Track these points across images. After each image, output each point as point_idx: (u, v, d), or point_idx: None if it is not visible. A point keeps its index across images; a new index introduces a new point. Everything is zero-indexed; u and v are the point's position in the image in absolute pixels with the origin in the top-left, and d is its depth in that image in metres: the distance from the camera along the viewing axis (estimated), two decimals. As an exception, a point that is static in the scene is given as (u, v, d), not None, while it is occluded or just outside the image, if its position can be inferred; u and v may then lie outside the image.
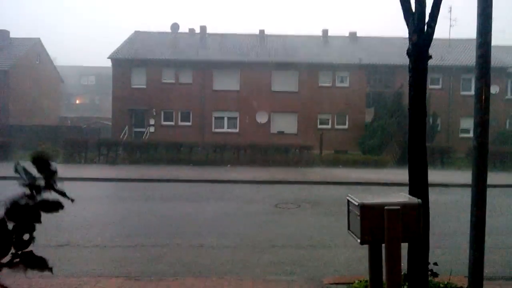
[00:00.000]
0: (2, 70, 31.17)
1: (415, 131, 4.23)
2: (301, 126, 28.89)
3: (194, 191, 13.09)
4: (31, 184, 1.28)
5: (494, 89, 26.51)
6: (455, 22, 56.72)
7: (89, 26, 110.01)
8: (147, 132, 28.71)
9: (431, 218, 4.25)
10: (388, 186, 14.42)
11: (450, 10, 33.01)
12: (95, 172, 17.24)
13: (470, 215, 3.73)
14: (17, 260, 1.27)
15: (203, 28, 33.83)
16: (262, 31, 33.93)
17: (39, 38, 36.58)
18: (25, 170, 1.27)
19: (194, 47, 31.01)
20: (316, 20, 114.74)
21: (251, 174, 16.99)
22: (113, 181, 15.09)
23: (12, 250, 1.27)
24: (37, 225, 1.31)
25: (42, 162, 1.31)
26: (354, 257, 6.10)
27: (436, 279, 4.35)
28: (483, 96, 3.71)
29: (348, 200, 3.57)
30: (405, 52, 4.33)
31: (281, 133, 28.62)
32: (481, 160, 3.73)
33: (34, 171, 1.29)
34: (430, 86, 26.15)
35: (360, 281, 4.52)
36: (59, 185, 1.33)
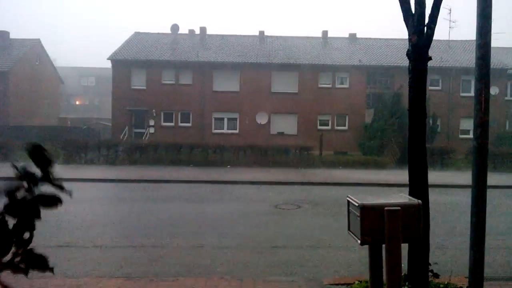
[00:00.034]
0: (2, 71, 31.19)
1: (415, 132, 4.24)
2: (301, 127, 28.91)
3: (194, 191, 13.09)
4: (27, 176, 1.25)
5: (494, 90, 26.55)
6: (455, 24, 56.71)
7: (89, 27, 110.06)
8: (147, 133, 28.72)
9: (431, 219, 4.26)
10: (388, 187, 14.42)
11: (450, 12, 33.10)
12: (95, 172, 17.23)
13: (470, 215, 3.73)
14: (18, 259, 1.25)
15: (203, 29, 33.87)
16: (262, 32, 33.96)
17: (39, 39, 36.62)
18: (22, 168, 1.26)
19: (194, 48, 31.04)
20: (316, 21, 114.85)
21: (251, 175, 17.00)
22: (113, 182, 15.09)
23: (13, 250, 1.26)
24: (37, 225, 1.30)
25: (38, 154, 1.29)
26: (354, 257, 6.10)
27: (437, 280, 4.35)
28: (483, 97, 3.72)
29: (348, 201, 3.58)
30: (405, 54, 4.35)
31: (281, 134, 28.63)
32: (481, 161, 3.74)
33: (31, 166, 1.27)
34: (430, 88, 26.18)
35: (360, 282, 4.53)
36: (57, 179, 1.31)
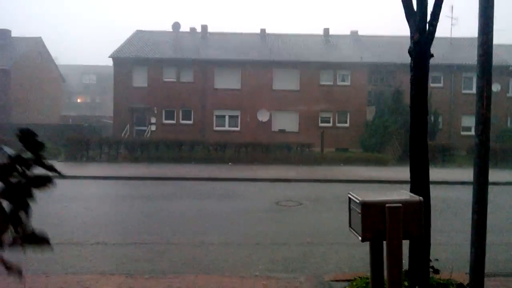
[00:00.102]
0: (4, 69, 31.21)
1: (417, 129, 4.25)
2: (302, 124, 28.90)
3: (195, 189, 13.11)
4: (20, 160, 1.28)
5: (495, 87, 26.48)
6: (457, 21, 56.60)
7: (90, 25, 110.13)
8: (148, 131, 28.75)
9: (432, 216, 4.27)
10: (389, 184, 14.42)
11: (452, 9, 32.97)
12: (96, 170, 17.26)
13: (472, 212, 3.74)
14: (18, 237, 1.28)
15: (204, 27, 33.83)
16: (263, 30, 33.92)
17: (40, 37, 36.64)
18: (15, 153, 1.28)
19: (195, 46, 31.02)
20: (317, 18, 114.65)
21: (252, 172, 17.02)
22: (115, 179, 15.11)
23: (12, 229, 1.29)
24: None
25: (29, 138, 1.31)
26: (355, 254, 6.11)
27: (437, 276, 4.36)
28: (485, 95, 3.71)
29: (350, 198, 3.58)
30: (407, 51, 4.34)
31: (282, 131, 28.61)
32: (482, 158, 3.73)
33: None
34: (431, 85, 26.15)
35: (361, 278, 4.54)
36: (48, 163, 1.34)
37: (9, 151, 1.30)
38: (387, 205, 3.26)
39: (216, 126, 29.17)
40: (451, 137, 27.66)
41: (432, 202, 4.28)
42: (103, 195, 12.27)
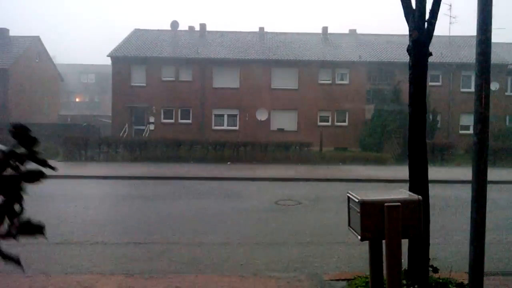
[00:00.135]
0: (2, 69, 31.13)
1: (415, 128, 4.25)
2: (301, 123, 28.91)
3: (194, 188, 13.10)
4: (13, 155, 1.30)
5: (494, 86, 26.49)
6: (455, 19, 56.57)
7: (89, 24, 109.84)
8: (147, 130, 28.73)
9: (431, 214, 4.27)
10: (388, 183, 14.43)
11: (450, 7, 32.99)
12: (95, 170, 17.25)
13: (471, 211, 3.74)
14: (14, 228, 1.30)
15: (202, 26, 33.81)
16: (261, 29, 33.91)
17: (38, 36, 36.53)
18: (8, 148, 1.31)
19: (193, 45, 30.99)
20: (315, 17, 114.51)
21: (251, 171, 17.01)
22: (114, 178, 15.09)
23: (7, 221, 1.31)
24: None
25: (22, 133, 1.32)
26: (355, 253, 6.11)
27: (437, 275, 4.36)
28: (483, 93, 3.71)
29: (349, 197, 3.58)
30: (405, 49, 4.34)
31: (281, 130, 28.62)
32: (481, 157, 3.73)
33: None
34: (430, 83, 26.12)
35: (361, 277, 4.54)
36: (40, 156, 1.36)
37: (2, 147, 1.32)
38: (386, 204, 3.26)
39: (215, 125, 29.17)
40: (449, 136, 27.71)
41: (431, 201, 4.29)
42: (102, 195, 12.25)
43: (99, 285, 4.66)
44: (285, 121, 29.02)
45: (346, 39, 32.88)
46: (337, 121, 29.21)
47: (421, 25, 4.15)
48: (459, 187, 12.97)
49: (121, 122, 28.63)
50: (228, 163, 20.23)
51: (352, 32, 34.22)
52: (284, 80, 29.03)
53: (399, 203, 3.28)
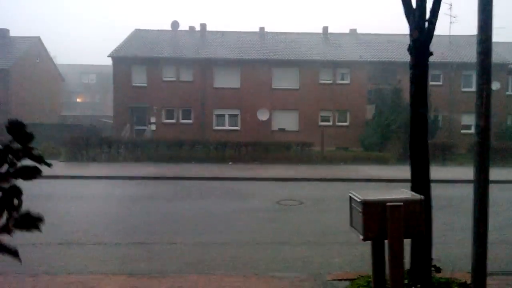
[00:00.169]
0: (2, 69, 31.15)
1: (417, 127, 4.25)
2: (302, 123, 28.89)
3: (195, 188, 13.11)
4: (9, 151, 1.31)
5: (495, 85, 26.46)
6: (456, 19, 56.60)
7: (89, 25, 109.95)
8: (148, 130, 28.73)
9: (433, 214, 4.27)
10: (390, 183, 14.42)
11: (451, 7, 32.96)
12: (97, 170, 17.25)
13: (473, 210, 3.74)
14: (12, 222, 1.31)
15: (203, 26, 33.81)
16: (262, 29, 33.89)
17: (39, 37, 36.55)
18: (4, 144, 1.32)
19: (194, 45, 30.99)
20: (316, 17, 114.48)
21: (253, 171, 17.02)
22: (115, 179, 15.10)
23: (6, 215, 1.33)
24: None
25: (18, 129, 1.34)
26: (357, 253, 6.12)
27: (439, 275, 4.36)
28: (484, 93, 3.71)
29: (351, 197, 3.58)
30: (406, 49, 4.34)
31: (282, 130, 28.61)
32: (482, 156, 3.73)
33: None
34: (431, 83, 26.12)
35: (363, 277, 4.54)
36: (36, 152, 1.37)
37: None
38: (388, 204, 3.27)
39: (216, 125, 29.16)
40: (451, 135, 27.66)
41: (433, 200, 4.29)
42: (104, 195, 12.26)
43: (102, 285, 4.67)
44: (286, 121, 29.01)
45: (346, 38, 32.86)
46: (338, 121, 29.18)
47: (421, 24, 4.15)
48: (460, 187, 12.96)
49: (122, 122, 28.63)
50: (230, 163, 20.23)
51: (353, 31, 34.19)
52: (285, 80, 29.02)
53: (401, 203, 3.28)
